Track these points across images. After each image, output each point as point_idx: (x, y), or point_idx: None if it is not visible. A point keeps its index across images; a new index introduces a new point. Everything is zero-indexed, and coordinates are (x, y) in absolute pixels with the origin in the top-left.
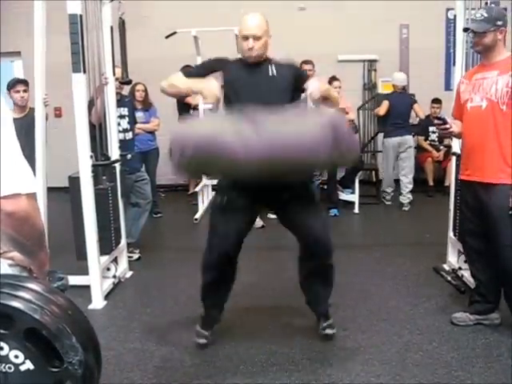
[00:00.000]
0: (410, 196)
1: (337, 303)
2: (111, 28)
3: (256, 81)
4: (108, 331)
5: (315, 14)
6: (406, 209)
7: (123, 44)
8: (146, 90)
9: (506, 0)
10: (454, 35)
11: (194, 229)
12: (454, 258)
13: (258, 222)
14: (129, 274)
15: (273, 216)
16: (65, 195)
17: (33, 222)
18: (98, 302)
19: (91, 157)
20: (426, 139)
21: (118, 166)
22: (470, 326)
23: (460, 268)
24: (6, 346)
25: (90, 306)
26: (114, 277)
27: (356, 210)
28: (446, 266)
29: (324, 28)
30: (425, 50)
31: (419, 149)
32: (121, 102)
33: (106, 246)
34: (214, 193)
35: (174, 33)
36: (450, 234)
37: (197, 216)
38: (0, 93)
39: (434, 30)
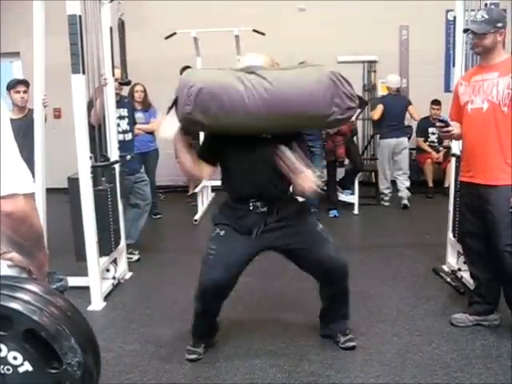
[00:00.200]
0: (407, 192)
1: None
2: (110, 29)
3: None
4: (107, 332)
5: (315, 15)
6: (406, 202)
7: (122, 45)
8: (145, 91)
9: (506, 0)
10: (454, 36)
11: (193, 230)
12: (453, 259)
13: None
14: (128, 275)
15: None
16: (64, 196)
17: (31, 223)
18: (97, 304)
19: (90, 158)
20: (425, 140)
21: (117, 167)
22: (470, 327)
23: (459, 269)
24: (4, 348)
25: (90, 308)
26: (114, 278)
27: (355, 211)
28: (445, 267)
29: (324, 29)
30: (424, 51)
31: (419, 150)
32: (120, 102)
33: (106, 247)
34: (213, 194)
35: (174, 33)
36: (450, 235)
37: (196, 217)
38: None
39: (434, 31)
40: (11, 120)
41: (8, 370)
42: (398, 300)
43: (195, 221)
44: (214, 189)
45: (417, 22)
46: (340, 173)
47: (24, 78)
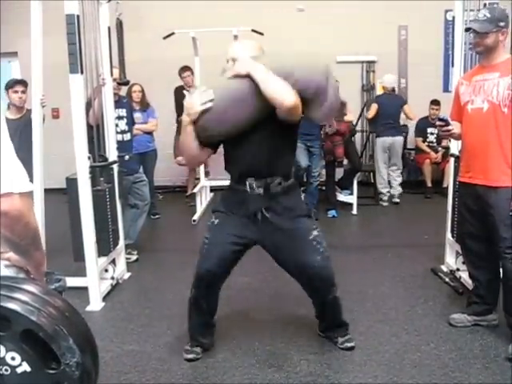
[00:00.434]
0: (399, 189)
1: None
2: (109, 29)
3: None
4: (106, 333)
5: (314, 16)
6: (397, 200)
7: (121, 45)
8: (142, 91)
9: (506, 0)
10: (453, 37)
11: (192, 230)
12: (451, 260)
13: None
14: (127, 275)
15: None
16: (62, 196)
17: (27, 222)
18: (95, 304)
19: (89, 158)
20: (424, 141)
21: (115, 167)
22: (468, 327)
23: (458, 269)
24: (2, 348)
25: (88, 308)
26: (112, 278)
27: (354, 211)
28: (443, 268)
29: (322, 29)
30: (423, 51)
31: (417, 150)
32: (119, 103)
33: (104, 247)
34: (212, 194)
35: (172, 33)
36: (448, 235)
37: (195, 217)
38: None
39: (433, 31)
40: (9, 120)
41: (6, 370)
42: (396, 300)
43: (194, 221)
44: (212, 189)
45: (416, 22)
46: (339, 173)
47: (22, 78)
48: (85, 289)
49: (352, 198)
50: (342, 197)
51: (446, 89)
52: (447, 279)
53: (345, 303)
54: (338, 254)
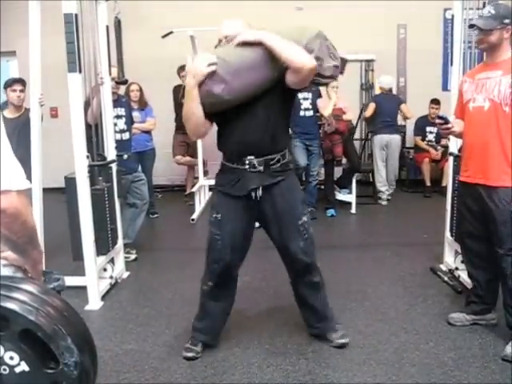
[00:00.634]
0: (393, 186)
1: (333, 303)
2: (107, 27)
3: None
4: (105, 332)
5: (312, 14)
6: (389, 198)
7: (119, 44)
8: (140, 90)
9: None
10: (452, 35)
11: (190, 229)
12: (450, 259)
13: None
14: (126, 274)
15: None
16: (61, 196)
17: (24, 219)
18: (94, 303)
19: (87, 157)
20: (423, 139)
21: (114, 166)
22: (467, 326)
23: (457, 268)
24: (1, 348)
25: (87, 307)
26: (111, 277)
27: (353, 210)
28: (442, 267)
29: (321, 28)
30: (422, 50)
31: (416, 149)
32: (117, 102)
33: (103, 246)
34: (210, 193)
35: (171, 32)
36: (447, 234)
37: (194, 216)
38: None
39: (432, 30)
40: (8, 119)
41: (5, 370)
42: (395, 299)
43: (192, 220)
44: (211, 188)
45: (414, 20)
46: (338, 172)
47: (20, 77)
48: (84, 288)
49: (351, 197)
50: (340, 196)
51: (445, 87)
52: (446, 278)
53: (344, 302)
54: (337, 253)
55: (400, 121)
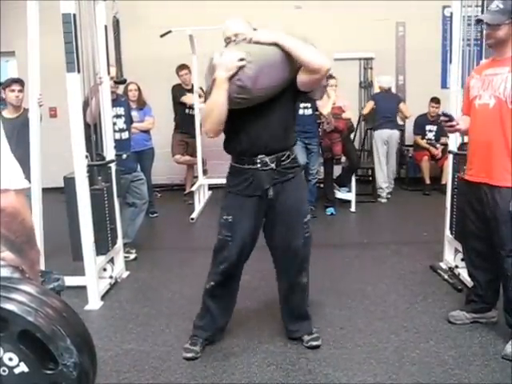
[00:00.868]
0: (390, 189)
1: (333, 302)
2: (105, 27)
3: None
4: (105, 332)
5: (311, 13)
6: (389, 196)
7: (117, 43)
8: (139, 89)
9: None
10: (451, 33)
11: (190, 228)
12: (450, 257)
13: None
14: (125, 274)
15: None
16: (60, 196)
17: (22, 219)
18: (94, 303)
19: (86, 157)
20: (422, 138)
21: (113, 166)
22: (467, 325)
23: (457, 266)
24: (0, 349)
25: (87, 307)
26: (111, 277)
27: (353, 209)
28: (442, 265)
29: (320, 26)
30: (421, 48)
31: (415, 147)
32: (116, 101)
33: (103, 246)
34: (210, 192)
35: (169, 32)
36: (447, 232)
37: (193, 215)
38: None
39: (431, 27)
40: (6, 119)
41: (4, 371)
42: (395, 297)
43: (192, 219)
44: (210, 187)
45: (413, 18)
46: (337, 170)
47: (20, 77)
48: (83, 288)
49: (350, 196)
50: (340, 194)
51: (444, 85)
52: (446, 276)
53: (343, 300)
54: (337, 252)
55: (399, 121)
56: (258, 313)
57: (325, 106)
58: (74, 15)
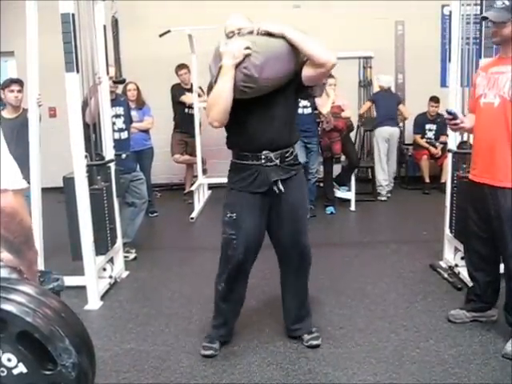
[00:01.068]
0: (391, 187)
1: (333, 301)
2: (104, 27)
3: None
4: (104, 331)
5: (310, 12)
6: (389, 195)
7: (116, 43)
8: (137, 89)
9: None
10: (450, 31)
11: (190, 228)
12: (450, 255)
13: None
14: (125, 274)
15: None
16: (60, 196)
17: (20, 219)
18: (94, 303)
19: (86, 157)
20: (422, 137)
21: (112, 165)
22: (467, 323)
23: (456, 265)
24: None
25: (86, 307)
26: (110, 277)
27: (352, 208)
28: (442, 263)
29: (319, 25)
30: (420, 46)
31: (415, 146)
32: (116, 101)
33: (102, 246)
34: (210, 192)
35: (168, 31)
36: (447, 231)
37: (193, 215)
38: None
39: (430, 26)
40: (5, 119)
41: (2, 372)
42: (395, 296)
43: (192, 219)
44: (210, 186)
45: (412, 17)
46: (337, 169)
47: (18, 77)
48: (83, 288)
49: (350, 195)
50: (339, 193)
51: (443, 84)
52: (446, 275)
53: (343, 300)
54: (337, 251)
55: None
56: (257, 312)
57: (324, 105)
58: (73, 15)
